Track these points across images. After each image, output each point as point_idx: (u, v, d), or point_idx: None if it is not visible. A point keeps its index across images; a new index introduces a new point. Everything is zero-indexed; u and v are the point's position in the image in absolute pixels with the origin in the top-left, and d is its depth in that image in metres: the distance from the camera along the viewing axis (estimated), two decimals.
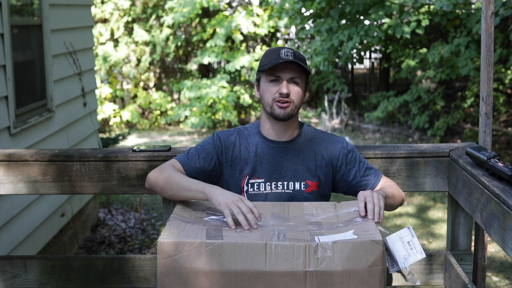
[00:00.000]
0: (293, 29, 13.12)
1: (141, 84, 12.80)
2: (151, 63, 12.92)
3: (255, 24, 11.92)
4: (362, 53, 11.48)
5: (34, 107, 4.75)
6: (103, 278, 2.61)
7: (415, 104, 10.48)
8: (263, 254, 1.78)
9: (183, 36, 12.55)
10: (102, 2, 12.49)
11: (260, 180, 2.24)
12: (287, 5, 10.08)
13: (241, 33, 11.86)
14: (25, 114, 4.56)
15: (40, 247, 4.72)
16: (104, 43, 12.47)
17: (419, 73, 11.18)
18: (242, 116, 12.21)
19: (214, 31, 12.03)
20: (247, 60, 11.57)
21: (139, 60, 12.67)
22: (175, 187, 2.13)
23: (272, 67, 2.17)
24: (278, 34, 13.19)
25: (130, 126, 12.15)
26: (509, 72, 9.00)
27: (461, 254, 2.56)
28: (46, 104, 5.00)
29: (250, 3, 13.15)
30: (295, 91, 2.20)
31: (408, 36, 8.49)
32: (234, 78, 12.35)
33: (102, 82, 12.24)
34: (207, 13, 12.63)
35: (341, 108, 12.12)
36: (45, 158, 2.52)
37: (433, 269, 2.58)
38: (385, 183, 2.29)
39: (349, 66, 13.11)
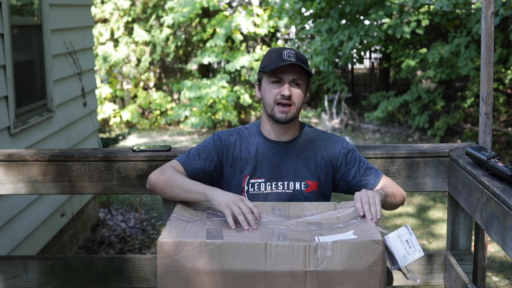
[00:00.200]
0: (293, 29, 13.12)
1: (141, 84, 12.80)
2: (151, 63, 12.92)
3: (255, 24, 11.92)
4: (362, 53, 11.48)
5: (34, 107, 4.75)
6: (103, 278, 2.61)
7: (415, 104, 10.48)
8: (263, 254, 1.78)
9: (183, 36, 12.55)
10: (102, 2, 12.49)
11: (260, 180, 2.25)
12: (287, 5, 10.08)
13: (241, 33, 11.86)
14: (25, 114, 4.55)
15: (40, 247, 4.72)
16: (104, 43, 12.47)
17: (419, 73, 11.18)
18: (242, 116, 12.21)
19: (214, 31, 12.03)
20: (247, 60, 11.58)
21: (139, 60, 12.67)
22: (176, 189, 2.13)
23: (274, 69, 2.17)
24: (278, 34, 13.19)
25: (130, 126, 12.15)
26: (509, 72, 9.00)
27: (461, 254, 2.56)
28: (46, 104, 5.00)
29: (250, 3, 13.15)
30: (297, 93, 2.20)
31: (408, 36, 8.49)
32: (234, 78, 12.36)
33: (102, 82, 12.24)
34: (207, 13, 12.63)
35: (341, 108, 12.12)
36: (45, 158, 2.52)
37: (433, 269, 2.58)
38: (385, 183, 2.29)
39: (349, 66, 13.10)
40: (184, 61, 13.22)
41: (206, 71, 13.02)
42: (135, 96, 12.65)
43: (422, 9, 8.50)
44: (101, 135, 7.37)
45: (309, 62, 10.51)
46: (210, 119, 11.65)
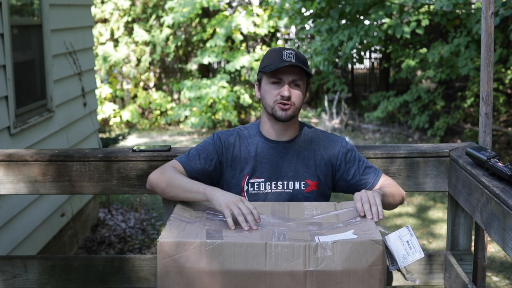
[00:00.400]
0: (293, 29, 13.12)
1: (141, 84, 12.80)
2: (151, 63, 12.92)
3: (255, 24, 11.92)
4: (362, 53, 11.48)
5: (34, 107, 4.75)
6: (103, 278, 2.61)
7: (415, 104, 10.48)
8: (263, 254, 1.78)
9: (183, 36, 12.55)
10: (102, 2, 12.49)
11: (260, 180, 2.25)
12: (287, 5, 10.08)
13: (241, 33, 11.86)
14: (25, 114, 4.56)
15: (40, 247, 4.72)
16: (104, 43, 12.47)
17: (419, 73, 11.18)
18: (242, 116, 12.21)
19: (214, 31, 12.03)
20: (247, 60, 11.58)
21: (139, 60, 12.67)
22: (176, 189, 2.14)
23: (274, 69, 2.17)
24: (278, 34, 13.20)
25: (130, 126, 12.15)
26: (509, 72, 9.00)
27: (461, 254, 2.56)
28: (46, 104, 5.00)
29: (250, 3, 13.15)
30: (296, 94, 2.21)
31: (408, 36, 8.49)
32: (234, 78, 12.36)
33: (102, 82, 12.24)
34: (207, 13, 12.63)
35: (341, 108, 12.12)
36: (45, 158, 2.52)
37: (433, 269, 2.58)
38: (384, 182, 2.29)
39: (349, 66, 13.11)
40: (184, 61, 13.22)
41: (206, 71, 13.02)
42: (135, 96, 12.65)
43: (422, 9, 8.50)
44: (101, 135, 7.37)
45: (309, 62, 10.53)
46: (210, 119, 11.65)
